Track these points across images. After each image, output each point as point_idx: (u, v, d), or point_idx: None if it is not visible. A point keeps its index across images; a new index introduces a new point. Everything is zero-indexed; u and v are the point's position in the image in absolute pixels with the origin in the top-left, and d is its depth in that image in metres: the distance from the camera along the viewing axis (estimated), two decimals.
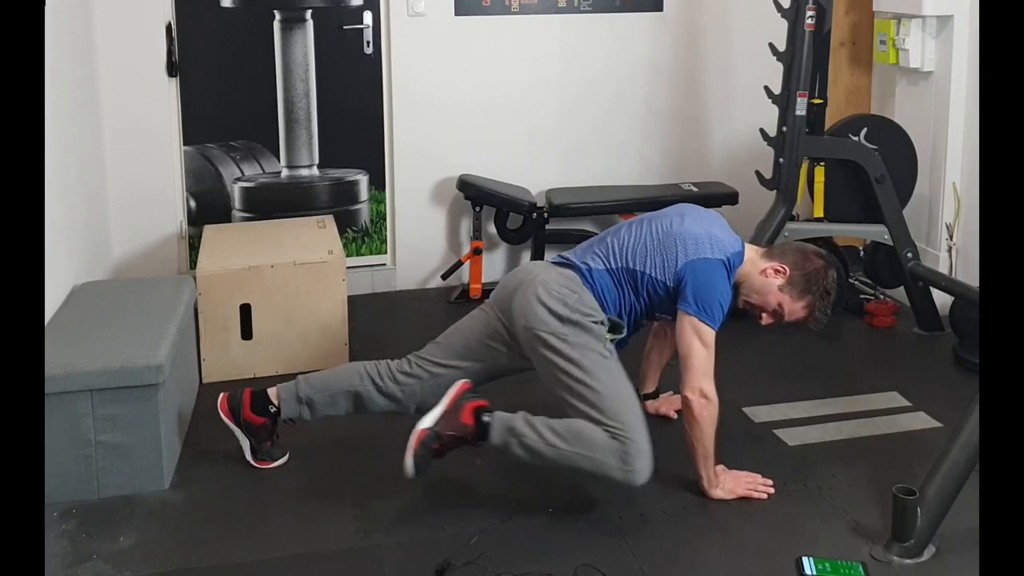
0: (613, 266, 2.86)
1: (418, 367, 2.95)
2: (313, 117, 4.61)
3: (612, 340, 2.77)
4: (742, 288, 2.90)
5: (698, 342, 2.74)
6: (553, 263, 2.95)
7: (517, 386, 3.01)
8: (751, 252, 2.91)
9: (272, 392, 2.95)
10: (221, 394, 2.98)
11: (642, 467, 2.63)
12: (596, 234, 3.06)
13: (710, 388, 2.75)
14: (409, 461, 2.63)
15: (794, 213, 4.19)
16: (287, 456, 3.03)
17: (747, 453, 3.05)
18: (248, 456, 2.98)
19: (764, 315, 2.91)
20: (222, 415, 2.95)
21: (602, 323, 2.76)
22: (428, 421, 2.68)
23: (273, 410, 2.93)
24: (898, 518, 2.54)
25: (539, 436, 2.65)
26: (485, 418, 2.69)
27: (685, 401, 2.76)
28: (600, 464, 2.63)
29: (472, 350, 2.92)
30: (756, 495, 2.83)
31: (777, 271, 2.86)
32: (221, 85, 4.49)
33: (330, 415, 2.97)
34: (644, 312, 2.89)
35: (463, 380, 2.81)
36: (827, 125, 4.28)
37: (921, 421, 3.32)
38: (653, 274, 2.82)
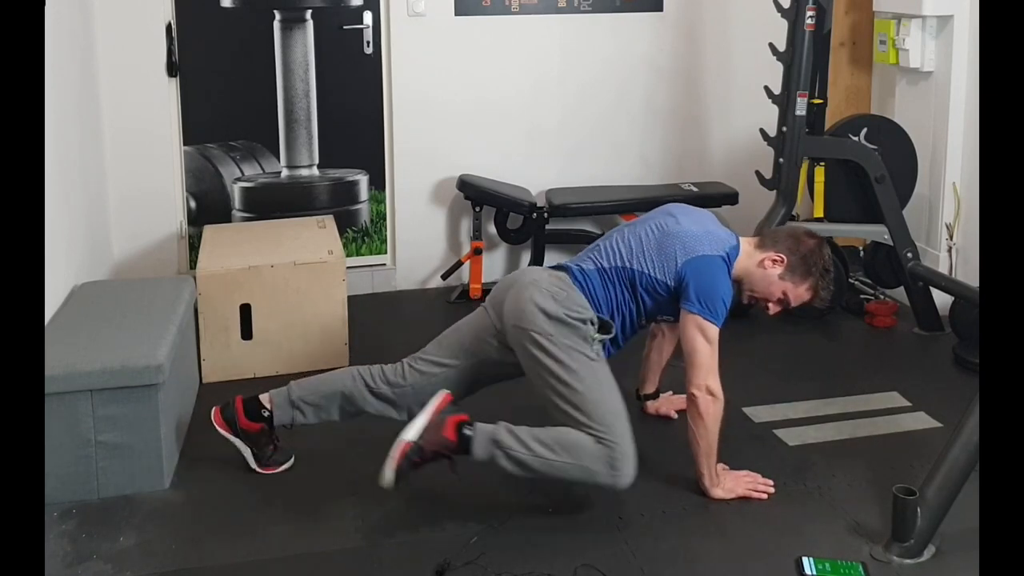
0: (606, 265, 2.87)
1: (410, 368, 2.93)
2: (313, 117, 4.61)
3: (600, 340, 2.76)
4: (744, 284, 2.91)
5: (702, 339, 2.74)
6: (547, 268, 2.96)
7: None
8: (745, 245, 2.93)
9: (264, 397, 2.92)
10: (213, 408, 2.95)
11: (628, 471, 2.62)
12: (596, 234, 3.08)
13: (716, 385, 2.75)
14: (390, 473, 2.60)
15: (794, 213, 4.19)
16: (292, 459, 3.02)
17: (747, 453, 3.05)
18: (252, 464, 2.96)
19: (771, 305, 2.93)
20: (217, 427, 2.92)
21: (591, 321, 2.75)
22: (411, 434, 2.64)
23: (267, 415, 2.89)
24: (898, 518, 2.54)
25: (525, 447, 2.62)
26: (467, 431, 2.65)
27: (691, 398, 2.76)
28: (588, 471, 2.61)
29: (465, 347, 2.90)
30: (756, 495, 2.83)
31: (775, 261, 2.88)
32: (221, 85, 4.49)
33: (324, 420, 2.93)
34: (642, 313, 2.89)
35: (445, 391, 2.77)
36: (827, 125, 4.28)
37: (921, 421, 3.32)
38: (652, 273, 2.82)
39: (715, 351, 2.76)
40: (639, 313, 2.89)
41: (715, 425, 2.77)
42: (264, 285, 3.66)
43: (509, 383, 2.94)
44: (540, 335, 2.70)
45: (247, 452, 2.95)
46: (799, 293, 2.90)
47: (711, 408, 2.75)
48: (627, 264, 2.85)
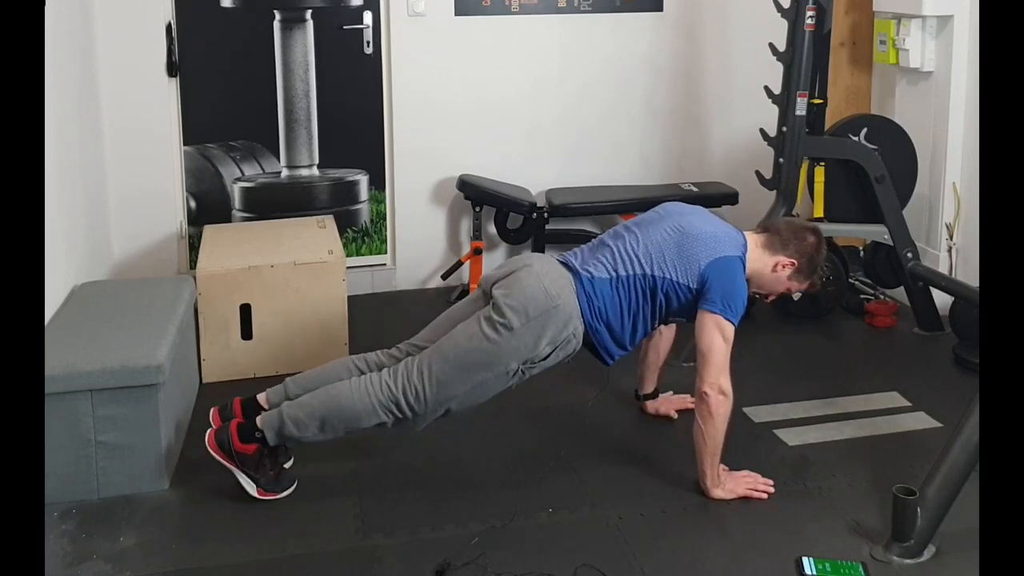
0: (622, 273, 2.84)
1: (403, 351, 2.94)
2: (313, 117, 4.61)
3: (530, 368, 2.76)
4: (752, 283, 2.95)
5: (720, 339, 2.76)
6: (556, 259, 2.93)
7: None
8: (752, 243, 2.95)
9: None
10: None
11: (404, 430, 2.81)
12: (596, 234, 3.07)
13: (728, 384, 2.77)
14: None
15: (794, 213, 4.18)
16: (292, 459, 2.97)
17: (747, 453, 3.05)
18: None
19: (771, 296, 3.07)
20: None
21: (565, 341, 2.75)
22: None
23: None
24: (898, 518, 2.54)
25: (308, 428, 2.76)
26: (257, 435, 2.78)
27: (703, 396, 2.76)
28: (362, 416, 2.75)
29: (456, 323, 2.87)
30: (756, 495, 2.83)
31: (786, 265, 2.94)
32: (221, 85, 4.49)
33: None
34: (658, 315, 2.88)
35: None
36: (827, 125, 4.28)
37: (921, 421, 3.32)
38: (675, 278, 2.82)
39: (729, 350, 2.78)
40: (655, 315, 2.88)
41: (724, 424, 2.78)
42: (264, 285, 3.66)
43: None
44: (499, 317, 2.72)
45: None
46: (800, 287, 3.03)
47: (722, 407, 2.76)
48: (648, 272, 2.83)
